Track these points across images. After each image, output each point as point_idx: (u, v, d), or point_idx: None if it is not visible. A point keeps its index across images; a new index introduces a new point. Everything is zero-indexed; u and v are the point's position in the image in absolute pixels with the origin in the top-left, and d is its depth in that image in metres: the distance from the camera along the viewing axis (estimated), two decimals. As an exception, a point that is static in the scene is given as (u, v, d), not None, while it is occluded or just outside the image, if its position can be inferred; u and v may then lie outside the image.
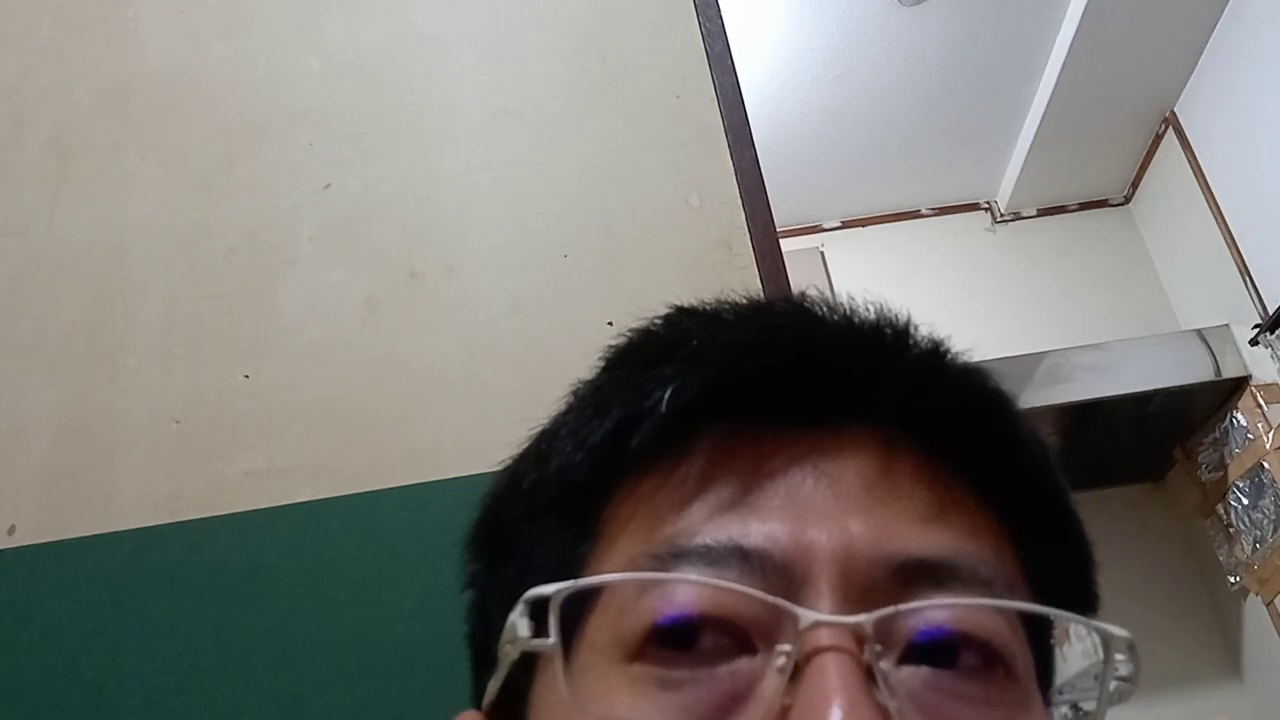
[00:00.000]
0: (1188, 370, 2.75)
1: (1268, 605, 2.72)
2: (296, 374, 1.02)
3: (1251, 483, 2.74)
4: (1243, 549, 2.78)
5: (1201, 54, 2.87)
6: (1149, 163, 3.21)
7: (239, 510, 0.95)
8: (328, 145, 1.14)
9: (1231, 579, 2.84)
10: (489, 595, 0.45)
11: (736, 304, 0.45)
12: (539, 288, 1.06)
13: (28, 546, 0.95)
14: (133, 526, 0.95)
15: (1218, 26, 2.78)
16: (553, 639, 0.37)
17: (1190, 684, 2.81)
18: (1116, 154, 3.21)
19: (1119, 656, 0.39)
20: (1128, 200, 3.37)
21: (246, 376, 1.02)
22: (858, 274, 3.23)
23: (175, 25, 1.22)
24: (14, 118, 1.17)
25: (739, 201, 1.09)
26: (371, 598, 0.90)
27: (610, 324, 1.02)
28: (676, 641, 0.37)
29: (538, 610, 0.38)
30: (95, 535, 0.95)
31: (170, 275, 1.08)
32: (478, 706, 0.45)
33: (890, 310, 0.44)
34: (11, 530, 0.96)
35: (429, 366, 1.02)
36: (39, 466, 0.99)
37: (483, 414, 0.98)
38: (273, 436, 0.99)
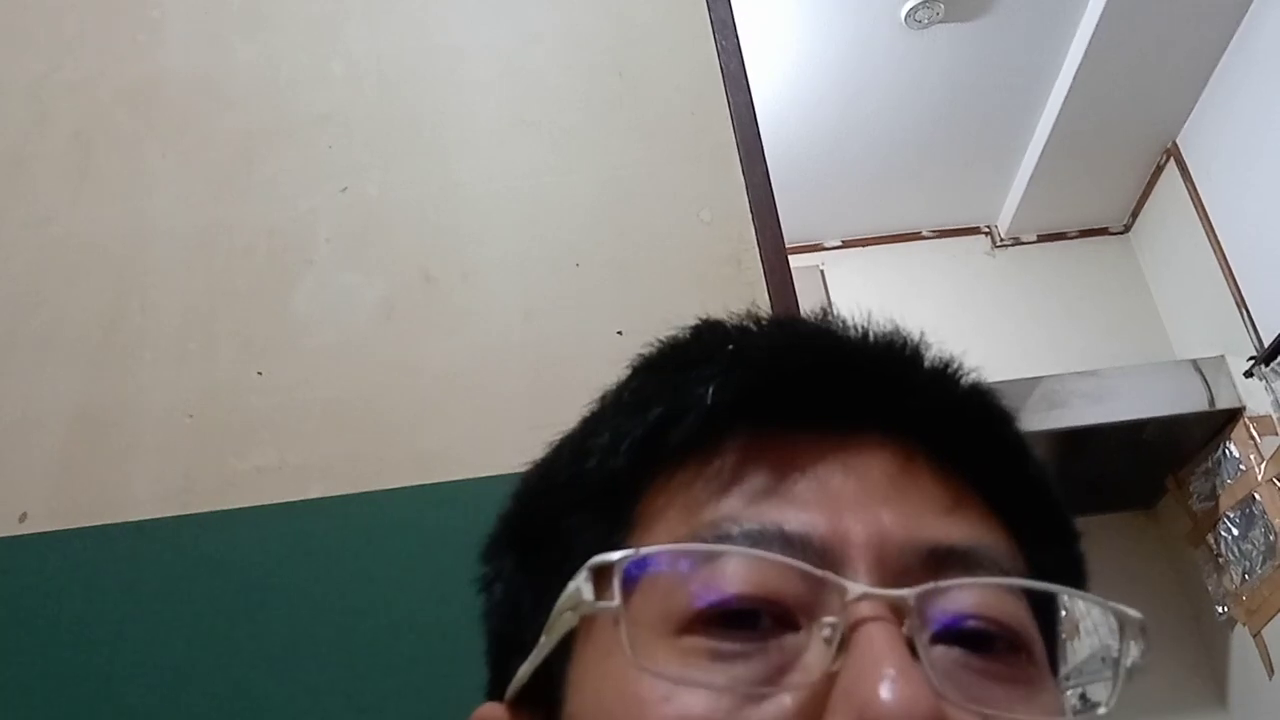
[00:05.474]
0: (1182, 400, 2.77)
1: (1255, 636, 2.73)
2: (310, 373, 1.03)
3: (1242, 514, 2.76)
4: (1231, 579, 2.80)
5: (1205, 87, 2.90)
6: (1149, 193, 3.24)
7: (249, 505, 0.96)
8: (347, 149, 1.15)
9: (1219, 609, 2.85)
10: (520, 588, 0.46)
11: (760, 318, 0.47)
12: (551, 295, 1.07)
13: (39, 534, 0.95)
14: (144, 517, 0.96)
15: (1222, 60, 2.81)
16: (617, 601, 0.39)
17: (1176, 714, 2.82)
18: (1117, 183, 3.24)
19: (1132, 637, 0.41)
20: (1127, 229, 3.40)
21: (260, 374, 1.03)
22: (857, 293, 3.25)
23: (200, 25, 1.24)
24: (38, 112, 1.18)
25: (749, 218, 1.11)
26: (379, 595, 0.91)
27: (620, 333, 1.03)
28: (725, 618, 0.38)
29: (599, 577, 0.40)
30: (106, 525, 0.95)
31: (188, 272, 1.09)
32: (497, 699, 0.46)
33: (903, 328, 0.47)
34: (23, 517, 0.97)
35: (442, 369, 1.03)
36: (53, 455, 1.00)
37: (493, 417, 1.00)
38: (285, 434, 1.00)
